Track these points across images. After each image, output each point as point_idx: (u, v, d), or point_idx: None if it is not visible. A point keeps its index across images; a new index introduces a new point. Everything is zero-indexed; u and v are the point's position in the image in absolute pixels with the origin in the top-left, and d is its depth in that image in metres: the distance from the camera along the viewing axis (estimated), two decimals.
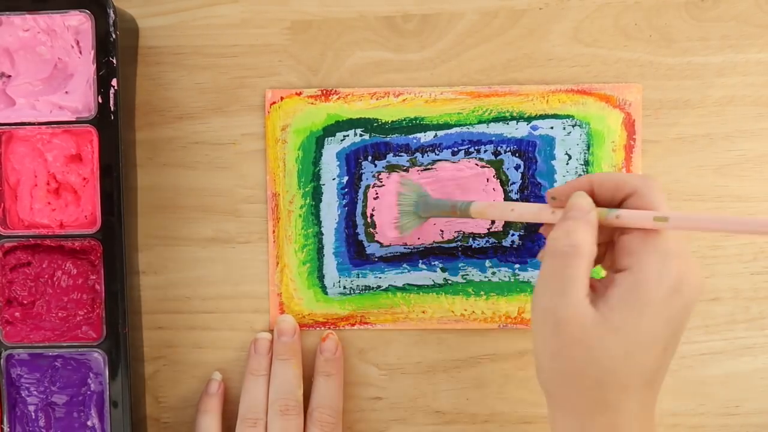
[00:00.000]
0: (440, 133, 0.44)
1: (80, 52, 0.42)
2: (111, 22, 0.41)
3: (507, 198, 0.44)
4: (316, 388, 0.44)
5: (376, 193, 0.44)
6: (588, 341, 0.32)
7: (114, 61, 0.41)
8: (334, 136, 0.44)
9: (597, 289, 0.34)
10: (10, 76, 0.43)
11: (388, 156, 0.44)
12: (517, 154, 0.44)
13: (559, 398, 0.34)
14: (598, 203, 0.35)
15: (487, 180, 0.44)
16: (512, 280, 0.44)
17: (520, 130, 0.44)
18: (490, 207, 0.40)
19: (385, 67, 0.44)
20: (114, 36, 0.41)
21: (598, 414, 0.33)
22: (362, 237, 0.45)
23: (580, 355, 0.32)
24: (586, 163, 0.44)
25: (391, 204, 0.44)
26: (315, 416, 0.43)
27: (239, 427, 0.43)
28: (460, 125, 0.44)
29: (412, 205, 0.43)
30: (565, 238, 0.34)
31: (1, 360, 0.43)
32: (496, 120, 0.44)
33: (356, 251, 0.45)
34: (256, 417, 0.42)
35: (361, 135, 0.44)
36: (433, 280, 0.45)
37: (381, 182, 0.44)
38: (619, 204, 0.35)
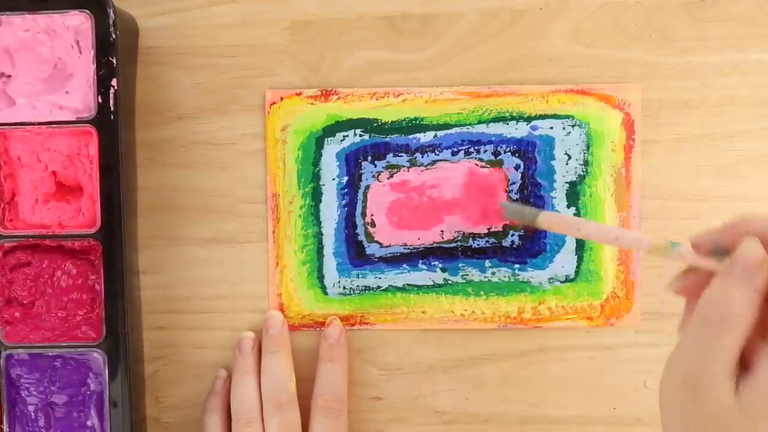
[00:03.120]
0: (440, 133, 0.44)
1: (80, 52, 0.42)
2: (111, 22, 0.41)
3: (508, 199, 0.44)
4: (319, 374, 0.44)
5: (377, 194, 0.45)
6: (721, 423, 0.28)
7: (114, 61, 0.41)
8: (334, 136, 0.44)
9: (744, 358, 0.30)
10: (10, 76, 0.43)
11: (387, 156, 0.44)
12: (516, 154, 0.44)
13: None
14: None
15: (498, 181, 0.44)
16: (512, 280, 0.44)
17: (519, 130, 0.44)
18: (560, 220, 0.38)
19: (385, 67, 0.44)
20: (114, 36, 0.41)
21: None
22: (362, 237, 0.45)
23: None
24: (586, 163, 0.44)
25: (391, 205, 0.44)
26: (319, 403, 0.43)
27: (234, 427, 0.43)
28: (459, 125, 0.44)
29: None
30: (723, 305, 0.29)
31: (1, 360, 0.43)
32: (495, 120, 0.44)
33: (356, 251, 0.45)
34: (249, 416, 0.42)
35: (360, 135, 0.44)
36: (433, 280, 0.45)
37: (382, 182, 0.44)
38: None
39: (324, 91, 0.44)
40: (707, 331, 0.29)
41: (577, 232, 0.37)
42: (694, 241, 0.32)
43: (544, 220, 0.38)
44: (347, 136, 0.44)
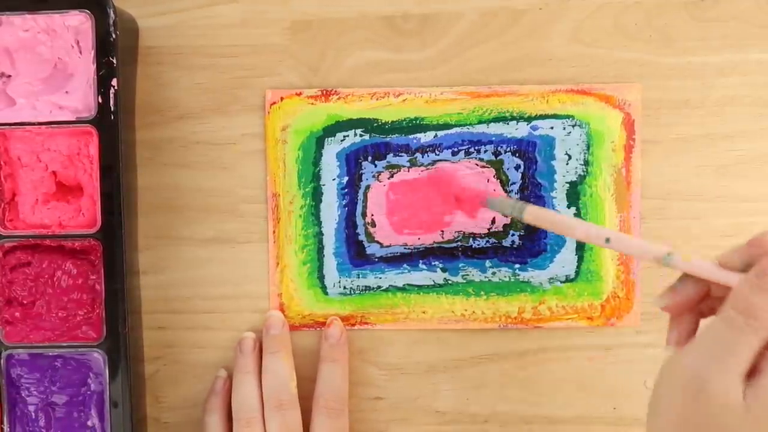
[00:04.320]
0: (440, 133, 0.44)
1: (80, 52, 0.42)
2: (111, 22, 0.41)
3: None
4: (320, 374, 0.44)
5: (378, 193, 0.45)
6: (724, 426, 0.30)
7: (114, 61, 0.41)
8: (334, 136, 0.44)
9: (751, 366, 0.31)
10: (10, 76, 0.43)
11: (388, 156, 0.44)
12: (517, 154, 0.44)
13: None
14: None
15: (488, 180, 0.44)
16: (512, 280, 0.44)
17: (520, 130, 0.44)
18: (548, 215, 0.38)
19: (385, 67, 0.44)
20: (114, 36, 0.41)
21: None
22: (362, 237, 0.45)
23: None
24: (586, 163, 0.44)
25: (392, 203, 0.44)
26: (320, 403, 0.43)
27: (235, 427, 0.43)
28: (460, 125, 0.44)
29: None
30: (748, 313, 0.30)
31: (1, 360, 0.43)
32: (496, 120, 0.44)
33: (356, 251, 0.45)
34: (249, 416, 0.42)
35: (361, 135, 0.44)
36: (433, 281, 0.45)
37: (382, 182, 0.44)
38: None
39: (324, 91, 0.44)
40: (727, 332, 0.30)
41: (567, 230, 0.37)
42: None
43: (531, 213, 0.38)
44: (347, 136, 0.44)
